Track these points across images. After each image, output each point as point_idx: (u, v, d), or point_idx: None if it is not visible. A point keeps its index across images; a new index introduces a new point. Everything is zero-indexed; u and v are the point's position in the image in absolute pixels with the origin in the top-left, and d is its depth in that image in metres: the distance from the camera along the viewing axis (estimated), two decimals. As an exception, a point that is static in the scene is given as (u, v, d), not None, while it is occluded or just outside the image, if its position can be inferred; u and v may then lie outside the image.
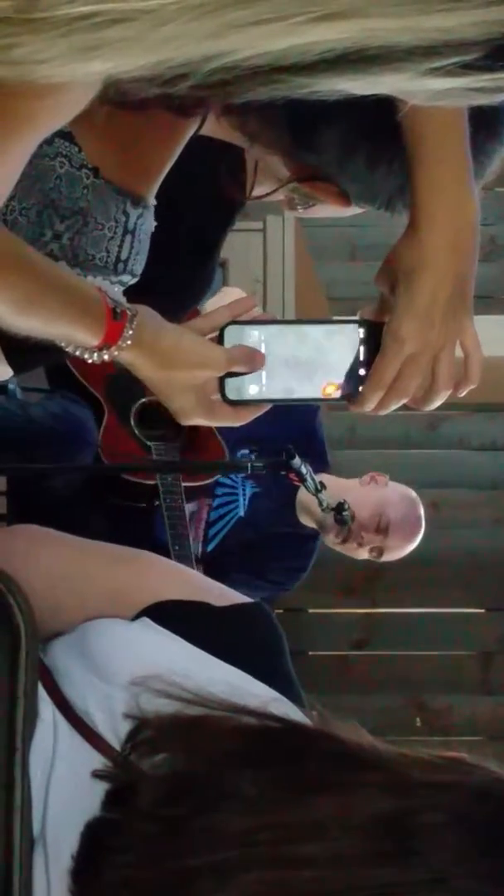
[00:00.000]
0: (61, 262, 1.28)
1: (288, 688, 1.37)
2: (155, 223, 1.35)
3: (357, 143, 1.30)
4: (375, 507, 3.20)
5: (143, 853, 1.15)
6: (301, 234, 4.22)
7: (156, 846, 1.14)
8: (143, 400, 3.21)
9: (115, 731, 1.28)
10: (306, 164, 1.34)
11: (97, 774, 1.24)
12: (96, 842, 1.20)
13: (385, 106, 1.27)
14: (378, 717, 4.15)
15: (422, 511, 3.29)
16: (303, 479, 2.66)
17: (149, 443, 3.17)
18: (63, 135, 1.24)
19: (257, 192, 1.52)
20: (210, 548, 3.24)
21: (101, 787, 1.24)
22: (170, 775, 1.17)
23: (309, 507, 3.23)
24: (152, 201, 1.33)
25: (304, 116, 1.28)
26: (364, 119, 1.28)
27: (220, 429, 3.24)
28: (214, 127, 1.33)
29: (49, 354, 2.19)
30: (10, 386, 3.06)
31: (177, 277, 1.60)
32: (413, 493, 3.31)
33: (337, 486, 3.08)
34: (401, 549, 3.26)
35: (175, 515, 3.01)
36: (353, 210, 1.47)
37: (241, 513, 3.30)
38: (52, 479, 3.11)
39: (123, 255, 1.30)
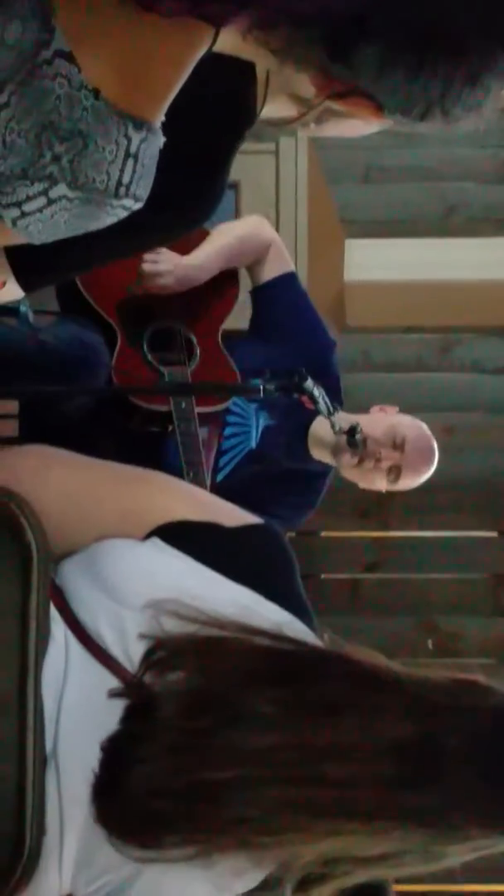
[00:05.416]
0: (61, 184, 1.26)
1: (298, 608, 1.37)
2: (164, 139, 1.32)
3: (398, 58, 1.25)
4: (389, 427, 3.19)
5: (168, 763, 1.17)
6: (315, 155, 4.18)
7: (181, 757, 1.16)
8: (155, 324, 3.20)
9: (125, 650, 1.28)
10: (339, 79, 1.29)
11: (114, 693, 1.25)
12: (119, 755, 1.21)
13: (430, 21, 1.23)
14: (390, 639, 4.17)
15: (434, 443, 3.28)
16: (315, 402, 2.64)
17: (161, 368, 3.15)
18: (63, 54, 1.21)
19: (281, 112, 1.47)
20: (220, 478, 3.23)
21: (113, 706, 1.25)
22: (188, 692, 1.18)
23: (322, 438, 3.21)
24: (158, 124, 1.30)
25: (342, 32, 1.24)
26: (405, 34, 1.23)
27: (234, 358, 3.22)
28: (235, 44, 1.29)
29: (59, 274, 2.17)
30: (22, 308, 3.04)
31: (182, 192, 1.57)
32: (424, 424, 3.30)
33: (348, 419, 3.07)
34: (417, 471, 3.24)
35: (189, 441, 3.00)
36: (368, 129, 1.44)
37: (253, 444, 3.29)
38: (64, 404, 3.10)
39: (125, 180, 1.28)
